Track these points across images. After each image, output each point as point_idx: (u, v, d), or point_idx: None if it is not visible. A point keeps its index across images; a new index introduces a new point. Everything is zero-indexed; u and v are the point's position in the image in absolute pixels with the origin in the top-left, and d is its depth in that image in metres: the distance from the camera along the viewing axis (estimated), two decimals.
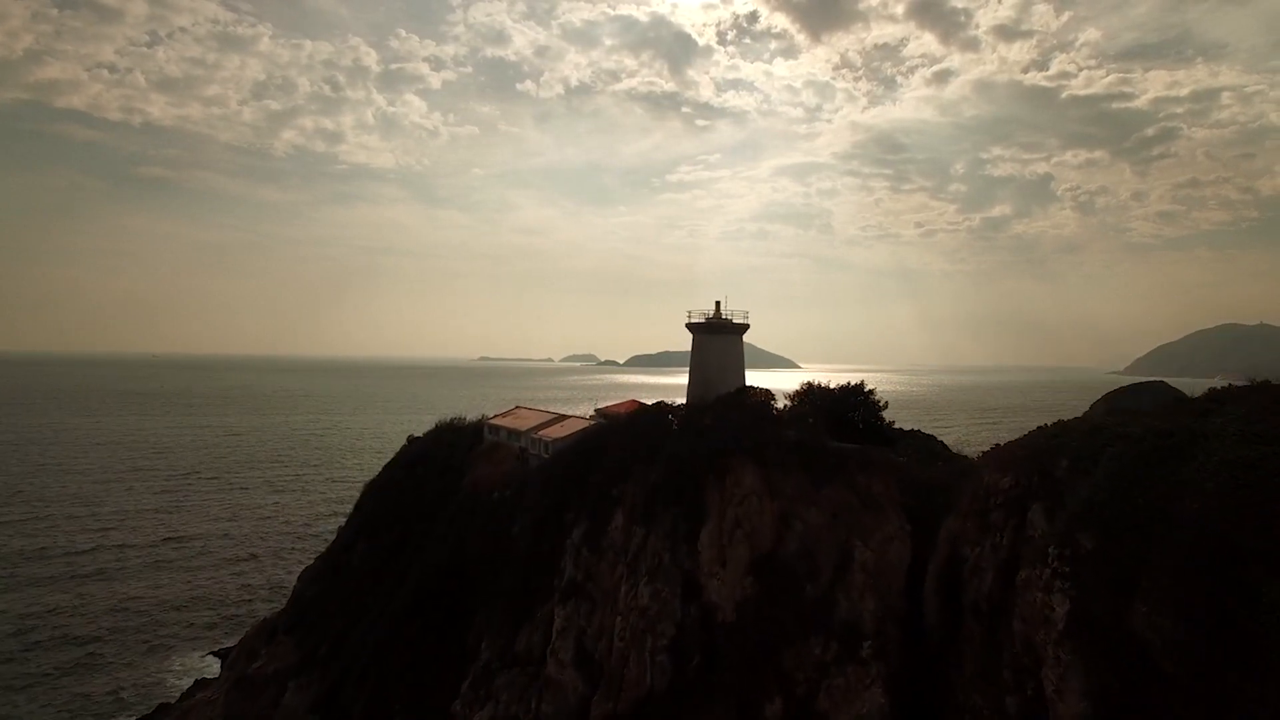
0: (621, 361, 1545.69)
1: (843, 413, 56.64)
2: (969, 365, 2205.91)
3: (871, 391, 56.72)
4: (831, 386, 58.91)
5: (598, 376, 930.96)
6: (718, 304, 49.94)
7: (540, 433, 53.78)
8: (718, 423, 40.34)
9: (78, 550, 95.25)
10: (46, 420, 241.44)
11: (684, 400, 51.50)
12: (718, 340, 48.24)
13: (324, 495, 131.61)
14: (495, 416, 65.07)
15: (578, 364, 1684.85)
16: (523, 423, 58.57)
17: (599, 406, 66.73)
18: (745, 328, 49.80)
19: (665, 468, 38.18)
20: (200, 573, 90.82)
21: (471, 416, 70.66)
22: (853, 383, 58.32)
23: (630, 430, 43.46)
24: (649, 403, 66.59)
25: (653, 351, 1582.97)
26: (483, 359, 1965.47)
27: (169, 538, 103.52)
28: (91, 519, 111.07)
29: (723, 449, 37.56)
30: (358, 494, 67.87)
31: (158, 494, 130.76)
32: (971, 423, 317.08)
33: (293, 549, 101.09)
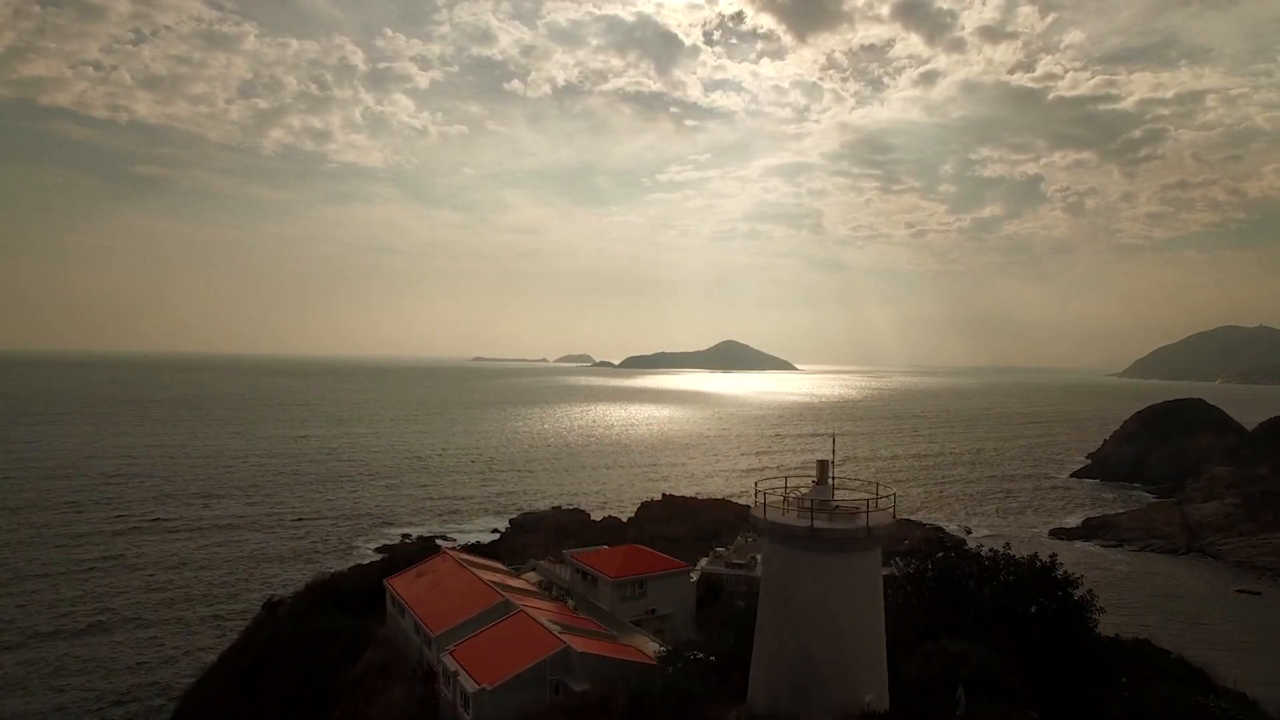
0: (617, 363, 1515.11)
1: (1018, 609, 32.17)
2: (966, 366, 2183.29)
3: (1070, 579, 32.18)
4: (983, 556, 34.57)
5: (594, 379, 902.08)
6: (822, 465, 22.91)
7: (457, 655, 28.94)
8: None
9: None
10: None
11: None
12: (834, 565, 20.76)
13: (277, 569, 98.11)
14: (405, 573, 40.13)
15: (572, 364, 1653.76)
16: (438, 606, 33.84)
17: (572, 552, 41.84)
18: (889, 530, 22.31)
19: None
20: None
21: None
22: (1028, 557, 33.85)
23: None
24: (655, 555, 41.65)
25: (648, 353, 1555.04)
26: (477, 359, 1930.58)
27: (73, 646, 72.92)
28: None
29: None
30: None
31: (79, 570, 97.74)
32: (997, 434, 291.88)
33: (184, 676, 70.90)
